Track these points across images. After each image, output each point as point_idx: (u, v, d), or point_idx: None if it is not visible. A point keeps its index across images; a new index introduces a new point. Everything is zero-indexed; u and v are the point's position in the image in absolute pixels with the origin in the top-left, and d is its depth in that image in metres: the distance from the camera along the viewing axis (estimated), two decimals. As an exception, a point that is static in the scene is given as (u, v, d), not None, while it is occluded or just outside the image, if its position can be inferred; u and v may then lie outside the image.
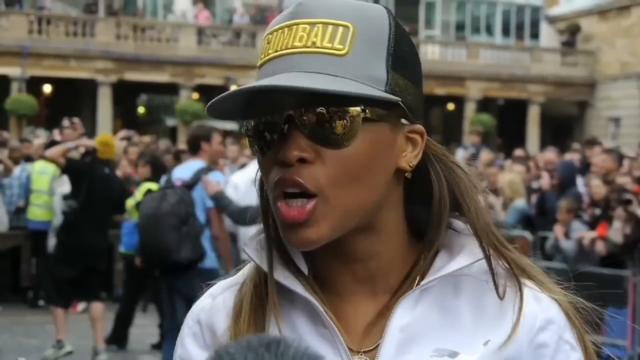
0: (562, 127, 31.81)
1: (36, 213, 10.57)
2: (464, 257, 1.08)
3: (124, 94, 28.34)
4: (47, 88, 28.42)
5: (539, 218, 9.61)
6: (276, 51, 1.04)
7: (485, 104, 30.78)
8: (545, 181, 9.86)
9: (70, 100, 27.40)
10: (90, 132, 19.36)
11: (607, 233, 7.89)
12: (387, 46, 1.05)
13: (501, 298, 1.08)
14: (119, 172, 10.08)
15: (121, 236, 9.23)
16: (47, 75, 26.90)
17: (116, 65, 27.23)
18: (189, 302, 4.29)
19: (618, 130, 30.14)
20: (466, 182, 1.10)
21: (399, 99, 1.04)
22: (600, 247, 7.90)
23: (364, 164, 1.03)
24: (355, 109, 1.01)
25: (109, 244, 8.64)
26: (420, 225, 1.14)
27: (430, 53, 29.83)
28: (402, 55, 1.07)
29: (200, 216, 6.18)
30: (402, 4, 30.79)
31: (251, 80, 1.07)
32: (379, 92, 1.02)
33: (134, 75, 27.61)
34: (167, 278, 6.21)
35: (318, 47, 1.02)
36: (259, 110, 1.05)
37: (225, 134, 8.60)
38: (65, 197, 8.36)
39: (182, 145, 12.05)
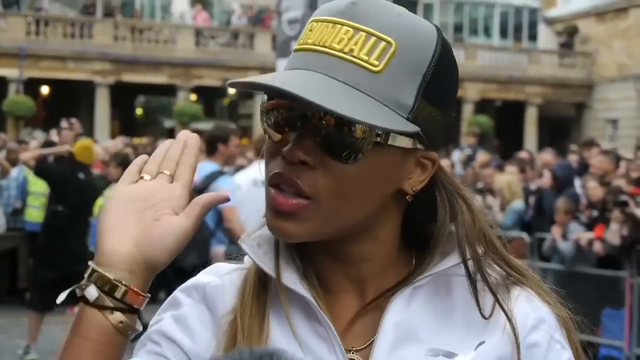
0: (560, 129, 31.84)
1: (33, 214, 10.58)
2: (452, 258, 1.09)
3: (122, 95, 28.33)
4: (44, 89, 28.41)
5: (536, 219, 9.61)
6: (314, 44, 1.03)
7: (482, 106, 30.80)
8: (546, 180, 9.86)
9: (67, 101, 27.39)
10: (88, 133, 19.36)
11: (604, 234, 7.90)
12: (425, 73, 1.03)
13: (481, 310, 1.08)
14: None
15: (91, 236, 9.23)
16: (45, 77, 26.89)
17: (114, 67, 27.23)
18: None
19: (615, 132, 30.18)
20: (466, 217, 1.09)
21: (418, 128, 1.03)
22: (597, 247, 7.91)
23: (365, 184, 1.02)
24: (370, 133, 1.00)
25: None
26: (416, 236, 1.14)
27: (428, 54, 29.81)
28: (438, 82, 1.04)
29: (210, 220, 6.18)
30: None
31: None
32: (398, 122, 1.00)
33: (131, 77, 27.61)
34: (172, 284, 6.22)
35: (354, 57, 1.00)
36: (279, 96, 1.03)
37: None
38: (49, 202, 8.52)
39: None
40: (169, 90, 28.75)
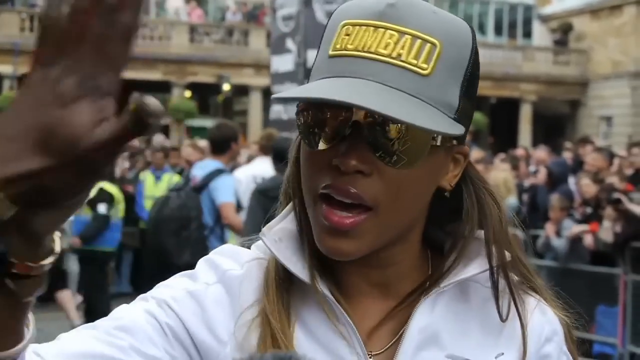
0: (554, 126, 31.88)
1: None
2: (478, 264, 1.08)
3: (116, 91, 28.28)
4: (38, 86, 28.35)
5: (530, 216, 9.63)
6: (357, 50, 0.99)
7: (477, 103, 30.79)
8: (541, 176, 9.87)
9: (62, 97, 27.33)
10: (82, 129, 19.31)
11: (598, 230, 7.91)
12: (465, 71, 1.03)
13: (502, 318, 1.08)
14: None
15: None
16: (39, 73, 26.82)
17: (108, 63, 27.17)
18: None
19: (610, 129, 30.23)
20: (493, 212, 1.09)
21: (464, 128, 1.03)
22: (588, 240, 7.93)
23: (418, 187, 1.02)
24: (427, 136, 0.99)
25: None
26: (435, 237, 1.14)
27: (423, 51, 29.85)
28: (474, 77, 1.05)
29: (209, 218, 6.21)
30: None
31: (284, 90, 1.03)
32: (450, 124, 1.00)
33: (126, 73, 27.51)
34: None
35: (403, 61, 0.98)
36: (327, 102, 0.99)
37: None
38: None
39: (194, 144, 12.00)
40: (164, 87, 28.69)
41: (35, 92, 0.71)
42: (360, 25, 1.01)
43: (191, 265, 1.16)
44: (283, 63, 12.27)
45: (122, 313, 1.05)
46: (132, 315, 1.04)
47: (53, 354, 0.97)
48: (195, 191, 6.25)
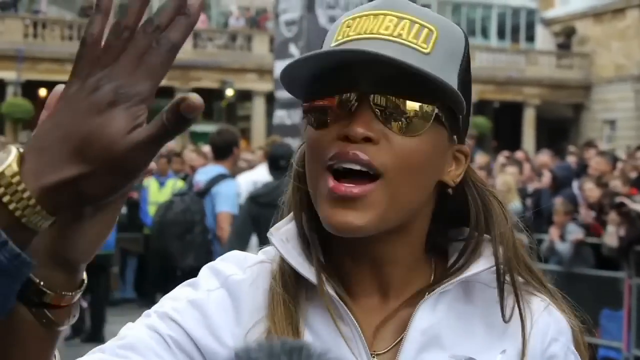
0: (558, 130, 31.85)
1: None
2: (482, 263, 1.09)
3: (120, 97, 28.33)
4: (42, 92, 28.37)
5: (534, 220, 9.62)
6: (359, 34, 1.04)
7: (480, 107, 30.80)
8: (546, 180, 9.87)
9: (65, 103, 27.36)
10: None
11: (602, 233, 7.91)
12: (461, 62, 1.06)
13: (505, 319, 1.08)
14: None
15: None
16: (43, 79, 26.84)
17: (112, 69, 27.23)
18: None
19: (614, 133, 30.19)
20: (498, 213, 1.10)
21: (465, 106, 1.04)
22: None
23: (424, 161, 1.03)
24: (431, 106, 1.02)
25: None
26: (437, 239, 1.14)
27: (426, 56, 29.84)
28: (468, 74, 1.09)
29: (212, 222, 6.26)
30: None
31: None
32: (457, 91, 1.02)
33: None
34: (168, 284, 6.29)
35: (404, 39, 1.02)
36: (331, 85, 1.03)
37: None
38: None
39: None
40: (167, 92, 28.70)
41: (71, 102, 0.73)
42: (362, 16, 1.05)
43: (194, 269, 1.17)
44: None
45: (126, 332, 1.07)
46: (135, 332, 1.06)
47: None
48: (198, 196, 6.29)
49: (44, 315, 0.80)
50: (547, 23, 34.28)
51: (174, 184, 10.11)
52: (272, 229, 1.11)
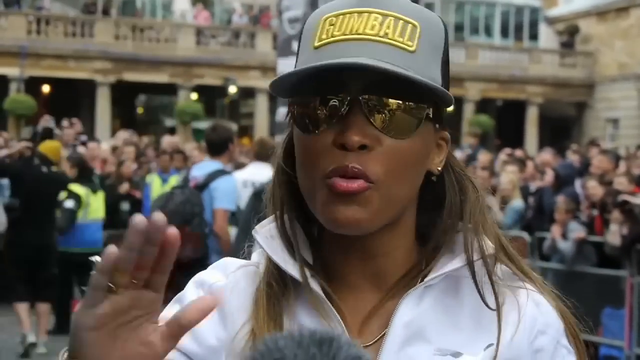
0: (561, 128, 31.84)
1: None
2: (462, 257, 1.08)
3: (123, 94, 28.34)
4: (45, 88, 28.42)
5: (536, 218, 9.61)
6: (344, 34, 1.03)
7: (483, 105, 30.80)
8: (548, 179, 9.86)
9: (69, 100, 27.39)
10: (89, 132, 19.36)
11: (604, 232, 7.91)
12: (442, 53, 1.08)
13: (486, 304, 1.07)
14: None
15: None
16: (46, 76, 26.91)
17: (115, 66, 27.23)
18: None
19: (617, 131, 30.17)
20: (473, 199, 1.11)
21: (453, 101, 1.06)
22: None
23: (415, 161, 1.04)
24: (423, 106, 1.03)
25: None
26: (423, 229, 1.14)
27: (429, 54, 29.79)
28: (447, 68, 1.10)
29: (209, 216, 6.28)
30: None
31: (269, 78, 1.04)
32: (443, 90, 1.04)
33: (132, 76, 27.60)
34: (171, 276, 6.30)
35: (390, 39, 1.03)
36: (319, 88, 1.03)
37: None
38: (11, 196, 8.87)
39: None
40: (170, 89, 28.75)
41: None
42: (344, 14, 1.05)
43: (192, 260, 1.17)
44: (289, 65, 12.19)
45: None
46: None
47: None
48: (197, 190, 6.30)
49: None
50: (551, 21, 34.25)
51: (177, 181, 10.11)
52: (257, 227, 1.13)
